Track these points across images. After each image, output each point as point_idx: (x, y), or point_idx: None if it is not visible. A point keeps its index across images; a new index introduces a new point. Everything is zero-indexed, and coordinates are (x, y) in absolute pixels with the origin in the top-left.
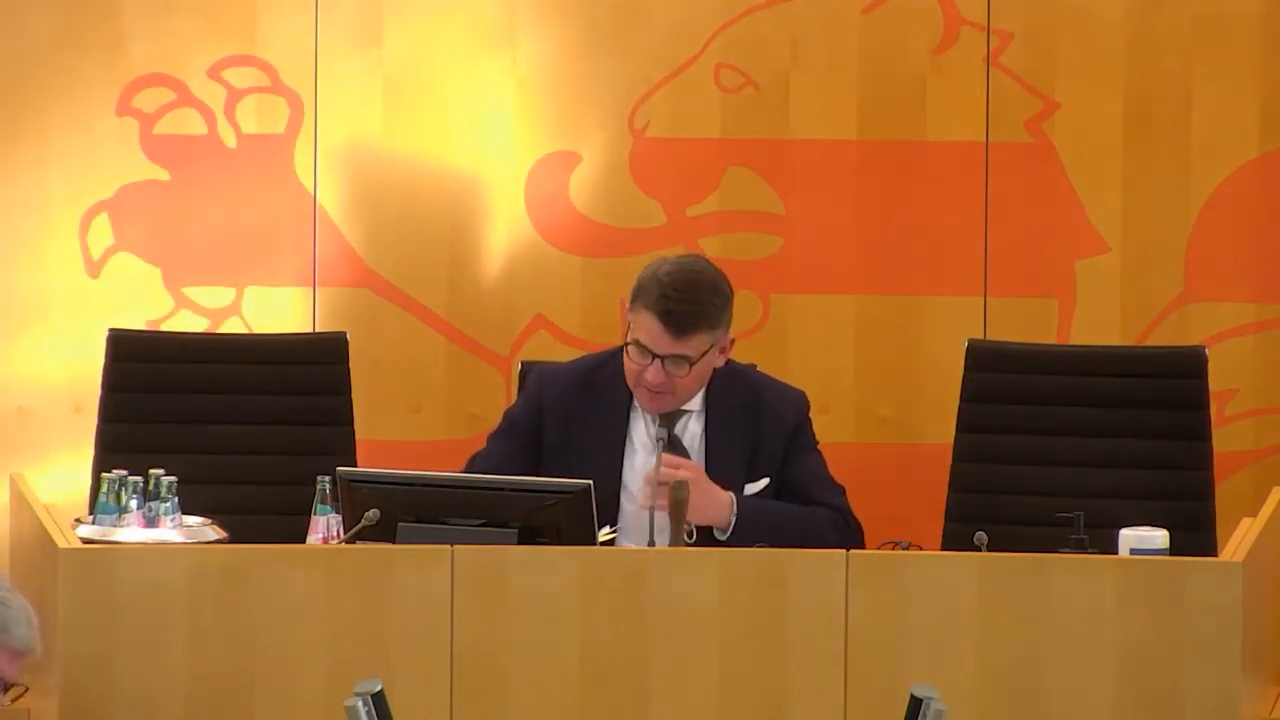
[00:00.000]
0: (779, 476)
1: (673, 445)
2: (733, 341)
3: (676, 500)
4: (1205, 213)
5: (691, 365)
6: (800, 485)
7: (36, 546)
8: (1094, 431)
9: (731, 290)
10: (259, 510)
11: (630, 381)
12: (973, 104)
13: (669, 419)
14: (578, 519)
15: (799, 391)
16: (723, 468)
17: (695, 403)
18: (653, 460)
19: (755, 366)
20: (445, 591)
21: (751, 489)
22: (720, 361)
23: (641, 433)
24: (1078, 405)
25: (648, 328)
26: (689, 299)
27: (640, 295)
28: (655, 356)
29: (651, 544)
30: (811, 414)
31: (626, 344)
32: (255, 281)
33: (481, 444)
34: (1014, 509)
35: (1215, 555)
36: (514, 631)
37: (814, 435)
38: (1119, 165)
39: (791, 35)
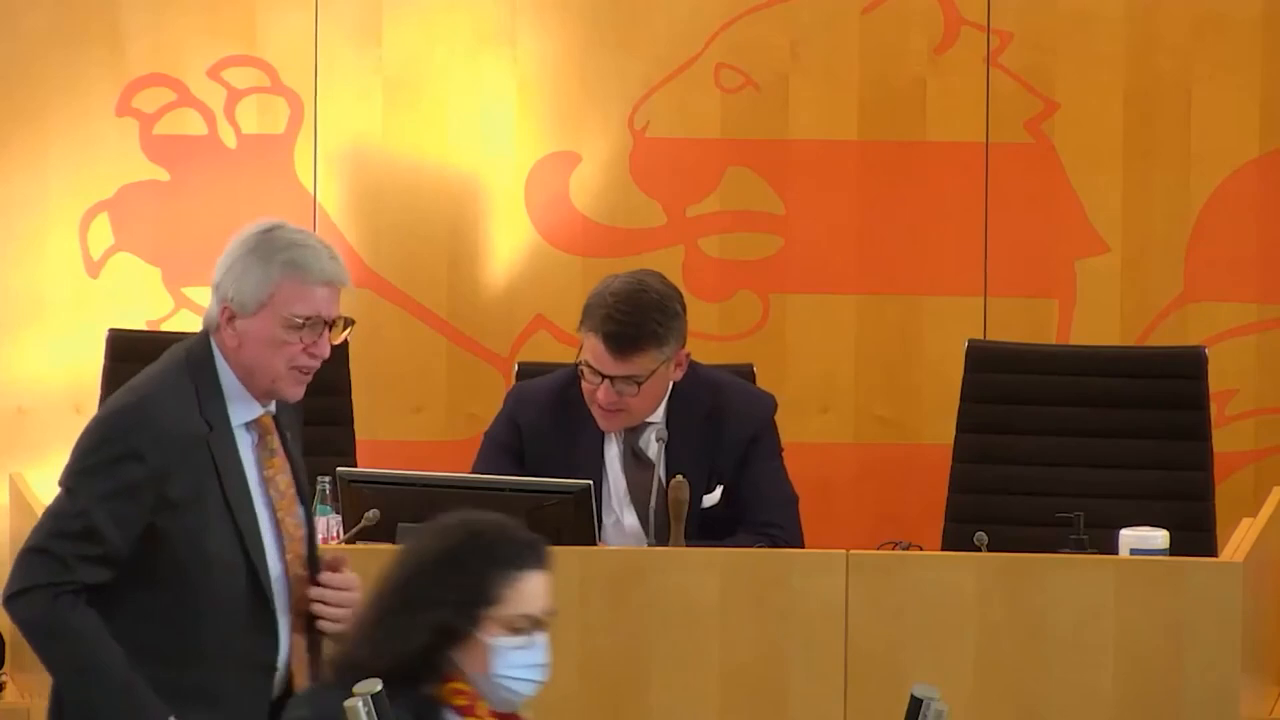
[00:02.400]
0: (732, 486)
1: (637, 459)
2: (688, 355)
3: (676, 500)
4: (1205, 213)
5: (640, 385)
6: (746, 499)
7: None
8: (1094, 431)
9: (683, 306)
10: None
11: (588, 401)
12: (973, 104)
13: (633, 433)
14: (578, 519)
15: (766, 397)
16: None
17: (658, 415)
18: (623, 475)
19: (753, 367)
20: None
21: (709, 500)
22: (677, 375)
23: (614, 448)
24: (1078, 405)
25: (594, 350)
26: (631, 320)
27: (586, 317)
28: (604, 377)
29: (651, 544)
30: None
31: (578, 365)
32: None
33: (478, 448)
34: (1014, 509)
35: (1215, 555)
36: None
37: (777, 442)
38: (1119, 165)
39: (791, 35)
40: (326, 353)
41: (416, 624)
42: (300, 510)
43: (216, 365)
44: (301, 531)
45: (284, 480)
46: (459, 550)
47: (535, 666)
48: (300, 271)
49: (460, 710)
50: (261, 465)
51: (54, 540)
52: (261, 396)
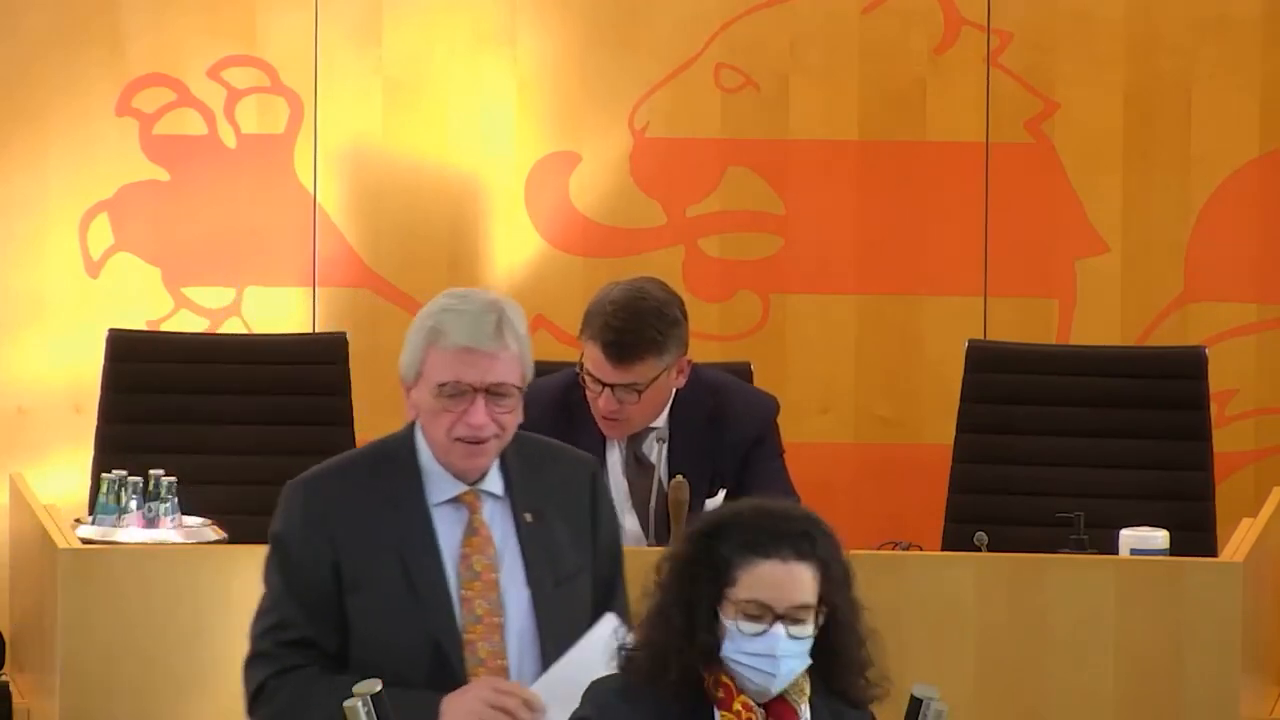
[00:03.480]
0: (734, 488)
1: (639, 464)
2: (690, 362)
3: (676, 501)
4: (1205, 213)
5: (640, 393)
6: None
7: (36, 546)
8: (1094, 431)
9: (683, 312)
10: (259, 510)
11: (591, 408)
12: (973, 104)
13: (636, 439)
14: None
15: (768, 399)
16: None
17: (660, 420)
18: (624, 479)
19: (750, 365)
20: None
21: (711, 504)
22: (680, 383)
23: (616, 452)
24: (1078, 405)
25: (594, 358)
26: (630, 328)
27: (586, 325)
28: (605, 385)
29: (650, 546)
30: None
31: (580, 372)
32: (255, 281)
33: None
34: (1014, 509)
35: (1215, 555)
36: None
37: (778, 444)
38: (1119, 165)
39: (791, 35)
40: (479, 421)
41: (678, 601)
42: (504, 595)
43: (417, 443)
44: (498, 619)
45: (482, 562)
46: (716, 527)
47: (761, 657)
48: (439, 336)
49: (718, 704)
50: (463, 544)
51: (259, 640)
52: (452, 471)
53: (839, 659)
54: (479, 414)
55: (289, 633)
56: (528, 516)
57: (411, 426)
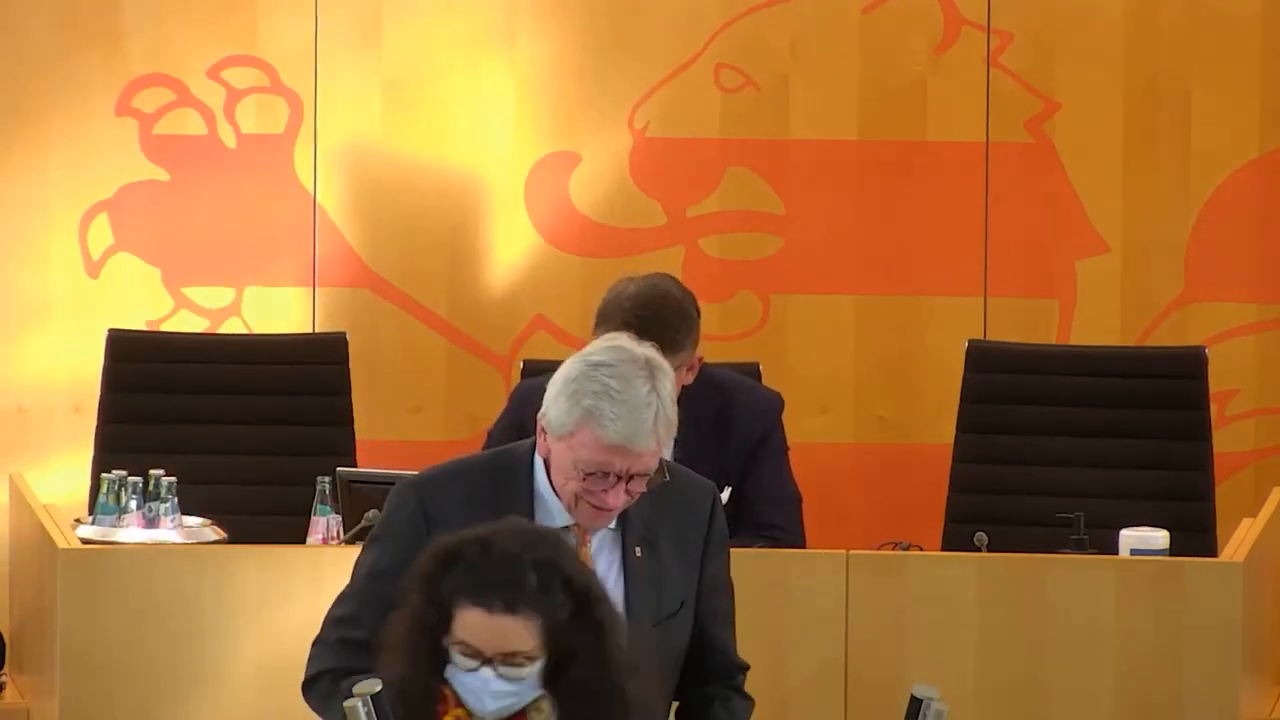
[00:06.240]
0: (738, 486)
1: None
2: (700, 359)
3: None
4: (1205, 213)
5: None
6: (750, 499)
7: (36, 546)
8: (1094, 431)
9: (698, 311)
10: (259, 510)
11: None
12: (973, 104)
13: None
14: None
15: (773, 396)
16: None
17: None
18: None
19: (759, 365)
20: None
21: None
22: (688, 379)
23: None
24: (1078, 405)
25: None
26: (649, 326)
27: (604, 320)
28: None
29: None
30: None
31: None
32: (255, 281)
33: (481, 445)
34: (1014, 509)
35: (1215, 555)
36: None
37: (783, 440)
38: (1119, 165)
39: (791, 35)
40: (615, 504)
41: (412, 617)
42: None
43: (536, 466)
44: None
45: None
46: (445, 557)
47: (472, 692)
48: (596, 425)
49: (439, 714)
50: None
51: (328, 627)
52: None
53: (574, 694)
54: (616, 497)
55: (356, 630)
56: (637, 550)
57: (533, 448)
